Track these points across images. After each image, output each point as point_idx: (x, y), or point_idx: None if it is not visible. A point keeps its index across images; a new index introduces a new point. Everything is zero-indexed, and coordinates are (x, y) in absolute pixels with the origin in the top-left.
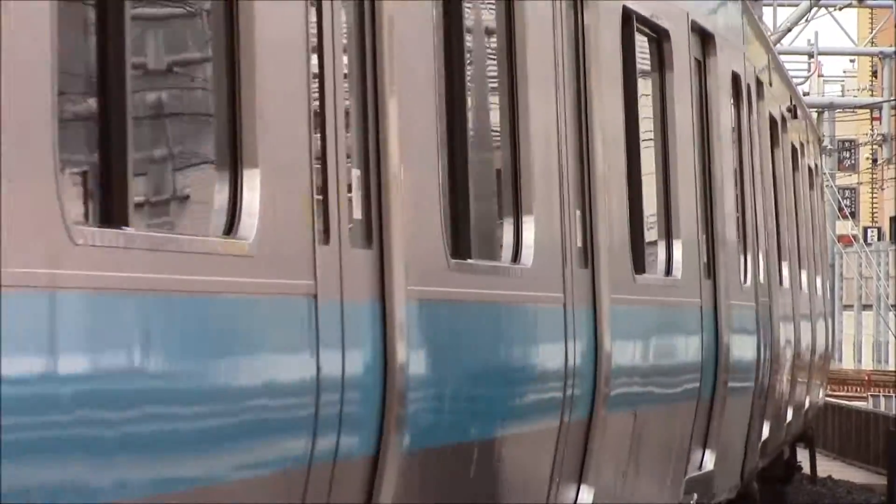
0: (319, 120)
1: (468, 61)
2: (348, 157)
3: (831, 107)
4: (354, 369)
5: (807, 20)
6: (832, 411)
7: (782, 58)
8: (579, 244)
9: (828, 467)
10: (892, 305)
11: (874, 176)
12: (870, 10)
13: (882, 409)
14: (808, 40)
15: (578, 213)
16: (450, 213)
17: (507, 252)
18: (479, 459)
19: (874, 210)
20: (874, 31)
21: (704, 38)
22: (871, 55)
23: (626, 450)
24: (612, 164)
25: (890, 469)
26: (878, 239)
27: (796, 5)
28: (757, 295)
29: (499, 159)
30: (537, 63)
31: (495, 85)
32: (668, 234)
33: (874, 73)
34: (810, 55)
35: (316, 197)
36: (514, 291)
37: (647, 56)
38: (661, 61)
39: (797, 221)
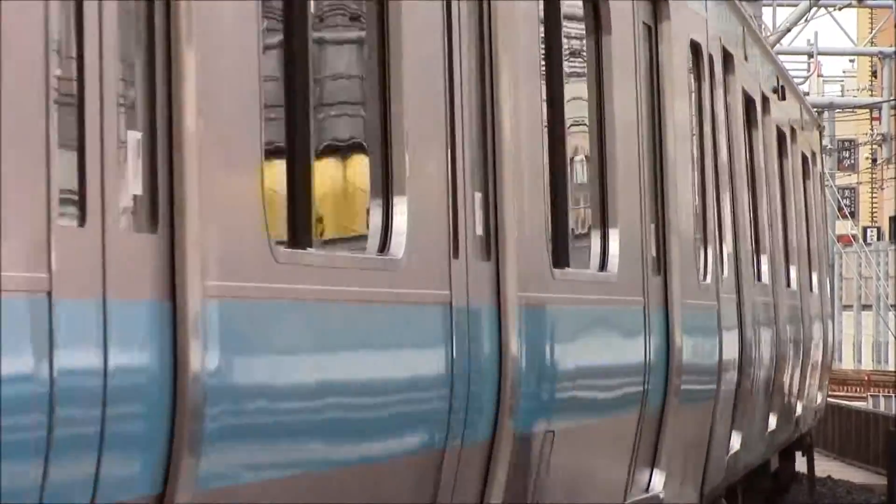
0: (77, 63)
1: (321, 22)
2: (123, 113)
3: (831, 107)
4: (126, 380)
5: (806, 20)
6: (832, 411)
7: (782, 58)
8: (479, 232)
9: (827, 467)
10: (891, 305)
11: (874, 176)
12: (869, 10)
13: (882, 409)
14: (808, 40)
15: (479, 196)
16: (287, 195)
17: (373, 241)
18: (315, 496)
19: (874, 210)
20: (874, 31)
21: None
22: (871, 55)
23: (542, 473)
24: (527, 140)
25: (890, 469)
26: (878, 239)
27: (796, 5)
28: (719, 293)
29: (361, 131)
30: (417, 21)
31: (364, 47)
32: (603, 225)
33: (874, 73)
34: (810, 55)
35: (58, 164)
36: (377, 288)
37: (580, 16)
38: (597, 23)
39: (785, 213)
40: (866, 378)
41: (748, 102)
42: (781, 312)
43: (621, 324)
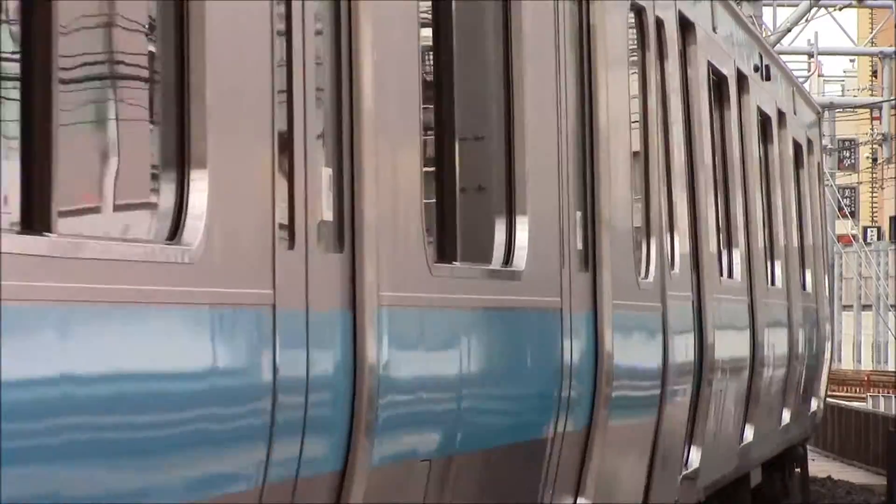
0: None
1: None
2: None
3: (831, 106)
4: None
5: (807, 20)
6: (832, 412)
7: (782, 58)
8: (327, 217)
9: (827, 467)
10: (891, 305)
11: (874, 175)
12: (870, 10)
13: (881, 409)
14: (808, 40)
15: (328, 173)
16: (22, 167)
17: (161, 227)
18: None
19: (874, 210)
20: (874, 31)
21: None
22: (871, 55)
23: None
24: (397, 112)
25: (889, 469)
26: (878, 238)
27: (796, 5)
28: (665, 292)
29: (144, 100)
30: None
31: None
32: (509, 213)
33: (874, 73)
34: (810, 55)
35: None
36: (161, 286)
37: None
38: None
39: (770, 205)
40: (866, 378)
41: (719, 80)
42: (761, 313)
43: (529, 327)
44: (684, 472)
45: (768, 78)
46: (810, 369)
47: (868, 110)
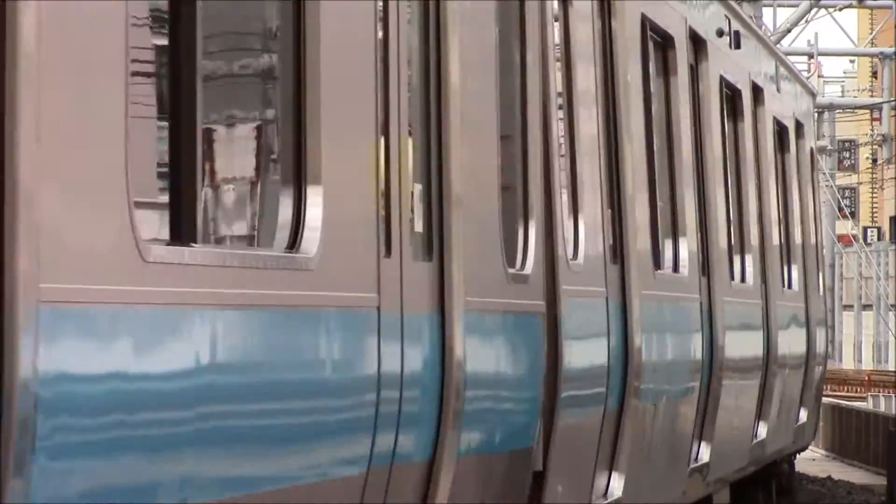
0: None
1: None
2: None
3: (831, 107)
4: None
5: (807, 21)
6: (832, 411)
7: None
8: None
9: (827, 467)
10: (892, 305)
11: (874, 176)
12: (870, 11)
13: (882, 409)
14: (808, 41)
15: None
16: None
17: None
18: None
19: (874, 210)
20: (874, 32)
21: None
22: (871, 56)
23: None
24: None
25: (890, 469)
26: (878, 239)
27: (796, 6)
28: (555, 287)
29: None
30: None
31: None
32: (297, 182)
33: (874, 74)
34: (810, 56)
35: None
36: None
37: None
38: None
39: (739, 190)
40: (866, 378)
41: (663, 40)
42: (722, 312)
43: (320, 331)
44: None
45: (738, 46)
46: (797, 375)
47: (868, 111)
